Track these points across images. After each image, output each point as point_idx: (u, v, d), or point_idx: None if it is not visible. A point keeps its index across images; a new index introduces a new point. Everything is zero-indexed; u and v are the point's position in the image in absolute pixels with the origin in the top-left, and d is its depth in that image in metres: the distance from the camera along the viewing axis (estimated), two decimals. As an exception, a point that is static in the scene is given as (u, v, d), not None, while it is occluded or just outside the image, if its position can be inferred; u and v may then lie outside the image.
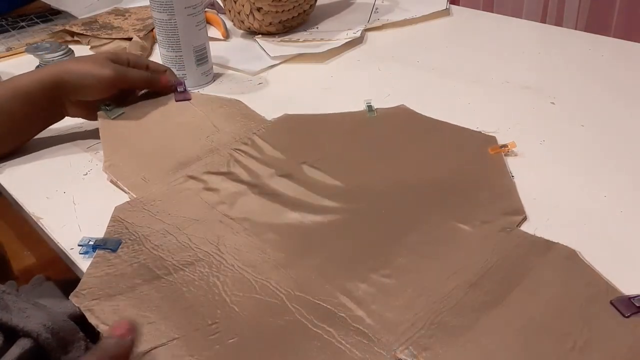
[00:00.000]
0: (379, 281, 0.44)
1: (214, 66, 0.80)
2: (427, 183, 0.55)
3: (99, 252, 0.48)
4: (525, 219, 0.50)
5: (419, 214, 0.51)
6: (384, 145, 0.61)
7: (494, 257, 0.45)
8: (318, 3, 0.99)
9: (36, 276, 0.65)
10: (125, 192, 0.56)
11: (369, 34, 0.92)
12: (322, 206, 0.52)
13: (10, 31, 0.98)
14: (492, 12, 1.30)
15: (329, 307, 0.42)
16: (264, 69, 0.82)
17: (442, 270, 0.44)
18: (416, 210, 0.51)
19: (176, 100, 0.68)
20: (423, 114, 0.66)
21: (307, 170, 0.57)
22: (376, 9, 1.00)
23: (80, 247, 0.49)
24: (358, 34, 0.89)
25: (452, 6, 1.00)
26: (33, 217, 0.55)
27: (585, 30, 1.15)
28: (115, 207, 0.53)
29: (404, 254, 0.46)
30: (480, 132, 0.63)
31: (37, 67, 0.84)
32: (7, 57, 0.90)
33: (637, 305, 0.40)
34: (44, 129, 0.65)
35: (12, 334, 0.45)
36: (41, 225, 0.54)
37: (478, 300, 0.42)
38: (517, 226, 0.49)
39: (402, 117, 0.66)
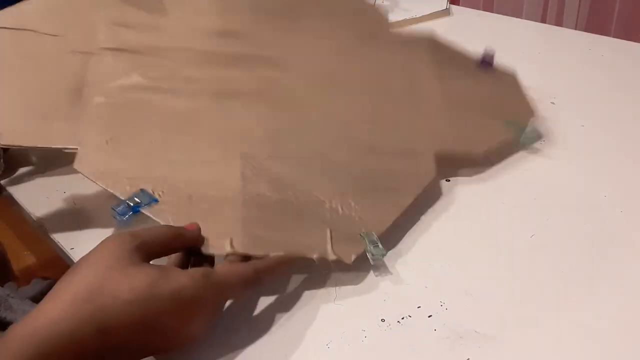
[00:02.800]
0: None
1: (214, 66, 0.80)
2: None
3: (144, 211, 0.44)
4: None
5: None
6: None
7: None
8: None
9: (36, 279, 0.65)
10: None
11: (369, 34, 0.92)
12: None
13: (10, 31, 0.98)
14: (492, 12, 1.30)
15: None
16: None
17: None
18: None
19: None
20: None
21: (197, 36, 0.57)
22: (376, 9, 1.00)
23: (119, 213, 0.44)
24: (358, 34, 0.89)
25: (452, 6, 1.00)
26: (33, 217, 0.55)
27: (585, 30, 1.15)
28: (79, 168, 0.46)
29: None
30: None
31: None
32: (7, 57, 0.90)
33: (488, 61, 0.66)
34: None
35: None
36: (41, 225, 0.54)
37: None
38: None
39: None
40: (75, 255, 0.50)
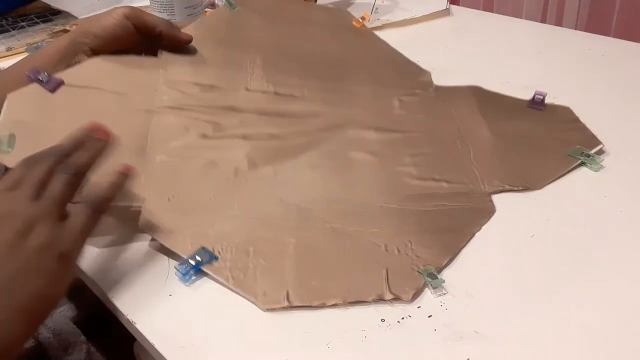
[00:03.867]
0: None
1: (214, 66, 0.80)
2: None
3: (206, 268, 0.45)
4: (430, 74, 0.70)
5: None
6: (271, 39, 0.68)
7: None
8: (318, 3, 0.99)
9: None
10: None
11: (369, 34, 0.92)
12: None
13: (10, 31, 0.98)
14: (492, 12, 1.30)
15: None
16: (264, 69, 0.82)
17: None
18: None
19: (52, 92, 0.55)
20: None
21: (251, 96, 0.61)
22: (376, 9, 1.00)
23: (182, 273, 0.45)
24: (358, 34, 0.89)
25: (452, 6, 1.00)
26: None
27: (585, 30, 1.15)
28: (144, 227, 0.48)
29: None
30: (328, 7, 0.78)
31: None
32: (7, 57, 0.90)
33: (539, 101, 0.64)
34: None
35: None
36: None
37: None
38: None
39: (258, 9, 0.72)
40: (76, 255, 0.50)
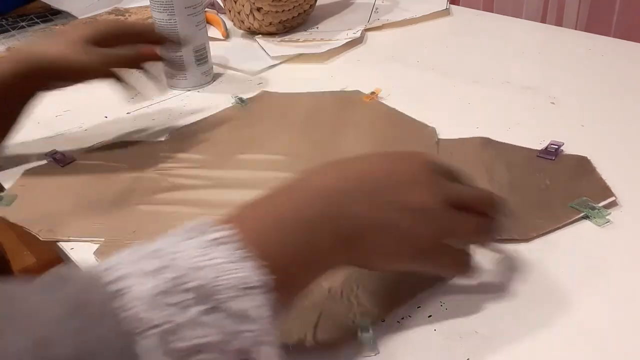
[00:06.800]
0: None
1: (214, 66, 0.80)
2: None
3: None
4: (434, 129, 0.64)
5: None
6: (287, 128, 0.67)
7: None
8: (318, 3, 0.99)
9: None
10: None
11: (369, 34, 0.92)
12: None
13: (10, 31, 0.98)
14: (492, 12, 1.30)
15: None
16: (264, 69, 0.82)
17: None
18: None
19: (62, 166, 0.62)
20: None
21: (243, 157, 0.62)
22: (376, 9, 1.00)
23: None
24: (358, 34, 0.89)
25: (452, 6, 1.00)
26: (33, 217, 0.55)
27: (585, 30, 1.15)
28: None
29: None
30: (343, 91, 0.74)
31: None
32: (7, 57, 0.90)
33: (552, 150, 0.59)
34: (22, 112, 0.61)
35: None
36: (41, 225, 0.54)
37: None
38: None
39: (270, 102, 0.74)
40: (75, 255, 0.50)
